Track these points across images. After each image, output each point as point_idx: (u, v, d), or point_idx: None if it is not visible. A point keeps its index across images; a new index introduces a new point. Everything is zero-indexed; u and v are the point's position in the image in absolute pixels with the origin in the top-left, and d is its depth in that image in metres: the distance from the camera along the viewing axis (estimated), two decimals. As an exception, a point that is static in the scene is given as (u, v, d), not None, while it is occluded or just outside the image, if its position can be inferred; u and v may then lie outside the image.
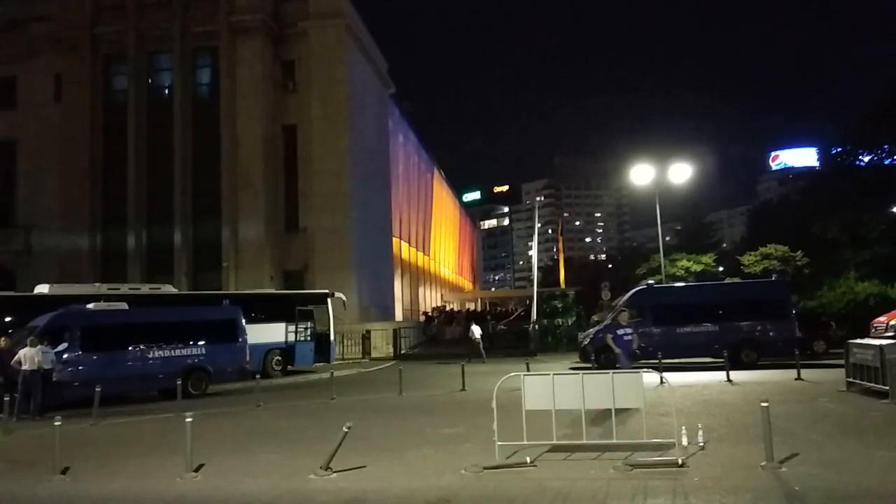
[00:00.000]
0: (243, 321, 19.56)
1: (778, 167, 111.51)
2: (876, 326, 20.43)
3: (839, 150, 41.46)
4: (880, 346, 13.06)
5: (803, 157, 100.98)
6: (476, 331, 26.75)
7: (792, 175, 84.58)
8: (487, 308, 71.22)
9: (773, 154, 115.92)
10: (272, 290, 28.81)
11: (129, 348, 17.35)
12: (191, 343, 18.24)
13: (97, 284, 22.84)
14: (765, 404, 7.68)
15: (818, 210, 38.82)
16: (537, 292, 33.41)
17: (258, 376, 17.87)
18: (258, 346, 21.51)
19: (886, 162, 38.62)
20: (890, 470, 7.51)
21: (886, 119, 36.94)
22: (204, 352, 18.33)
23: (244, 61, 34.22)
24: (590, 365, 20.77)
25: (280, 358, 23.35)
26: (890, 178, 36.59)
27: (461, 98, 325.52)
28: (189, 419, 8.51)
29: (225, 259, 33.19)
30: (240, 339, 19.24)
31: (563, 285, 51.54)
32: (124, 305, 18.76)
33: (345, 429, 8.14)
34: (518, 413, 8.39)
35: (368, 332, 30.76)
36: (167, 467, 8.71)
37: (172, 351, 17.81)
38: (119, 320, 17.90)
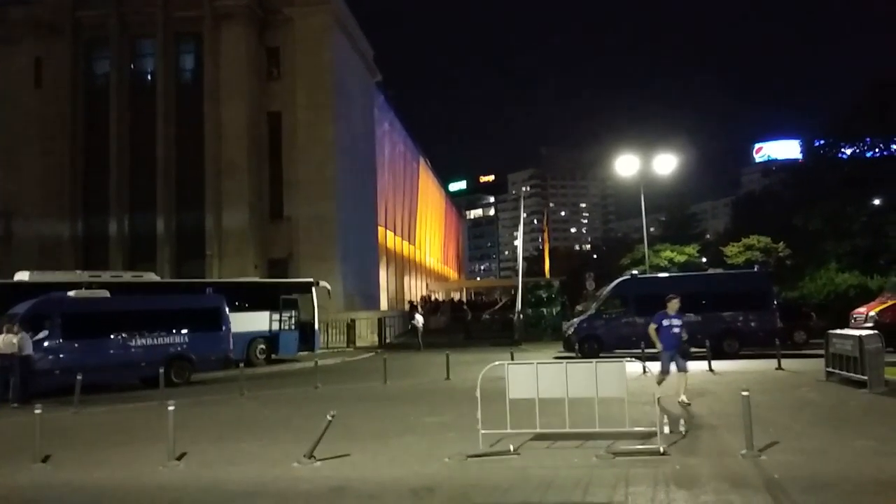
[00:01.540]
0: (227, 309, 19.44)
1: (761, 159, 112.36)
2: (855, 317, 20.80)
3: (822, 142, 41.81)
4: (859, 337, 13.25)
5: (787, 149, 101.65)
6: (419, 319, 27.17)
7: (775, 167, 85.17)
8: (471, 298, 71.42)
9: (756, 146, 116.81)
10: (256, 279, 28.65)
11: (111, 336, 17.20)
12: (173, 331, 18.11)
13: (78, 272, 22.58)
14: (745, 393, 7.76)
15: (801, 202, 39.17)
16: (522, 282, 33.49)
17: (242, 365, 17.78)
18: (242, 334, 21.39)
19: (868, 154, 39.02)
20: (867, 458, 7.63)
21: (868, 112, 37.29)
22: (187, 340, 18.21)
23: (228, 47, 33.85)
24: (574, 354, 20.91)
25: (264, 347, 23.25)
26: (872, 171, 36.96)
27: (447, 88, 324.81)
28: (171, 408, 8.45)
29: (209, 247, 32.96)
30: (223, 328, 19.12)
31: (548, 275, 51.72)
32: (106, 293, 18.57)
33: (328, 417, 8.13)
34: (502, 402, 8.42)
35: (353, 321, 30.71)
36: (149, 456, 8.65)
37: (155, 339, 17.68)
38: (101, 308, 17.70)
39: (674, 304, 11.80)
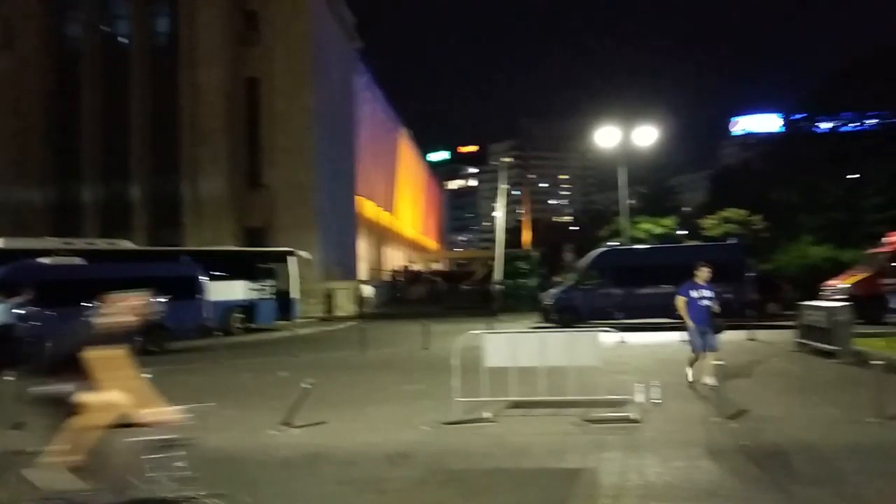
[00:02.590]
0: (203, 278, 19.30)
1: (738, 133, 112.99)
2: (826, 289, 21.19)
3: (800, 116, 42.22)
4: (829, 308, 13.53)
5: (763, 122, 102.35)
6: (365, 289, 27.41)
7: (753, 141, 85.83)
8: (454, 269, 71.52)
9: (733, 120, 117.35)
10: (234, 247, 28.43)
11: (85, 304, 16.99)
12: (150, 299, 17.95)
13: (50, 239, 22.24)
14: (718, 363, 7.90)
15: (778, 175, 39.60)
16: (502, 253, 33.60)
17: (220, 333, 17.72)
18: (219, 303, 21.26)
19: (844, 129, 39.48)
20: (833, 425, 7.84)
21: (845, 88, 37.60)
22: (162, 308, 18.03)
23: (205, 11, 33.07)
24: (552, 325, 21.12)
25: (242, 315, 23.16)
26: (848, 146, 37.43)
27: (427, 57, 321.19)
28: (147, 376, 8.39)
29: (185, 215, 32.57)
30: (199, 296, 19.01)
31: (527, 247, 51.93)
32: (80, 260, 18.31)
33: (306, 385, 8.14)
34: (479, 371, 8.50)
35: (332, 290, 30.66)
36: (125, 423, 8.61)
37: (131, 307, 17.51)
38: (74, 276, 17.48)
39: (703, 273, 10.24)
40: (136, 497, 4.61)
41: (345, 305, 30.73)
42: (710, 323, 9.90)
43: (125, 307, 4.95)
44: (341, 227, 38.50)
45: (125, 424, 4.65)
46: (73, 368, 4.59)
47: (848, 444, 6.99)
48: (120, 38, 34.91)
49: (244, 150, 34.19)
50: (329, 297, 30.27)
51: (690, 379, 10.21)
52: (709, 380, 9.81)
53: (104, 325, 4.79)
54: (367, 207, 48.13)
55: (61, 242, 20.92)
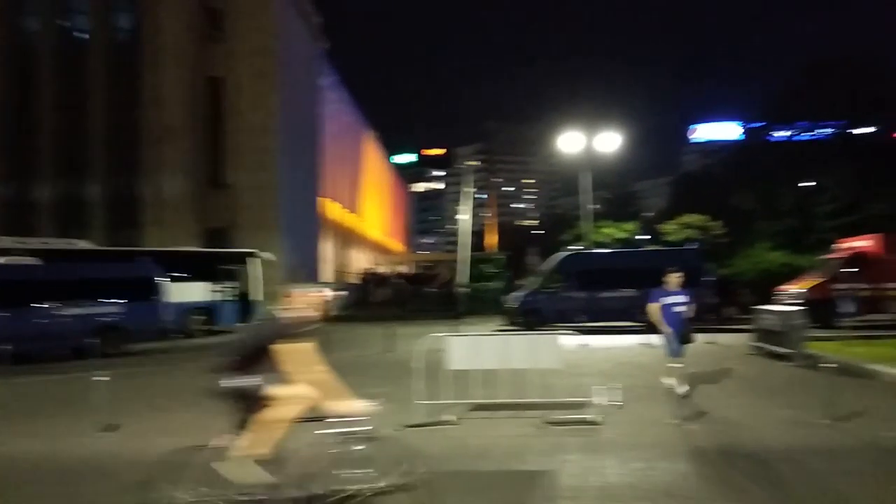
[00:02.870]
0: (163, 279, 18.96)
1: (696, 140, 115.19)
2: (780, 294, 21.77)
3: (758, 125, 43.28)
4: (784, 313, 13.90)
5: (723, 130, 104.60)
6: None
7: (712, 148, 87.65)
8: (423, 271, 71.40)
9: (692, 127, 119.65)
10: (195, 248, 27.99)
11: (41, 305, 16.57)
12: (106, 301, 17.58)
13: (4, 238, 21.62)
14: (676, 366, 8.04)
15: (736, 182, 40.50)
16: (466, 256, 33.70)
17: (180, 336, 17.43)
18: (180, 305, 20.94)
19: (799, 138, 40.59)
20: (787, 427, 8.05)
21: (800, 98, 38.69)
22: (120, 310, 17.70)
23: (167, 7, 32.54)
24: (516, 328, 21.27)
25: (202, 317, 22.81)
26: (803, 154, 38.49)
27: (394, 60, 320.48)
28: (103, 378, 8.23)
29: (145, 214, 31.96)
30: (158, 298, 18.67)
31: (493, 250, 52.20)
32: (36, 260, 17.85)
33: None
34: (443, 373, 8.51)
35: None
36: (80, 427, 8.42)
37: (86, 309, 17.12)
38: (30, 276, 17.04)
39: (673, 279, 9.90)
40: (323, 490, 4.69)
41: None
42: (683, 329, 9.69)
43: (308, 301, 5.07)
44: (305, 229, 38.19)
45: (313, 418, 4.71)
46: (260, 362, 4.68)
47: (800, 446, 7.18)
48: (79, 34, 34.12)
49: (206, 149, 33.72)
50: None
51: (670, 386, 9.68)
52: (667, 381, 9.75)
53: (290, 319, 4.83)
54: (332, 209, 47.81)
55: (15, 242, 20.35)
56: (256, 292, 24.85)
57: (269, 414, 4.65)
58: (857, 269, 21.12)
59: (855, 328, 19.45)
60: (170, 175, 32.19)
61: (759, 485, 5.94)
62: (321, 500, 4.70)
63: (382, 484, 4.76)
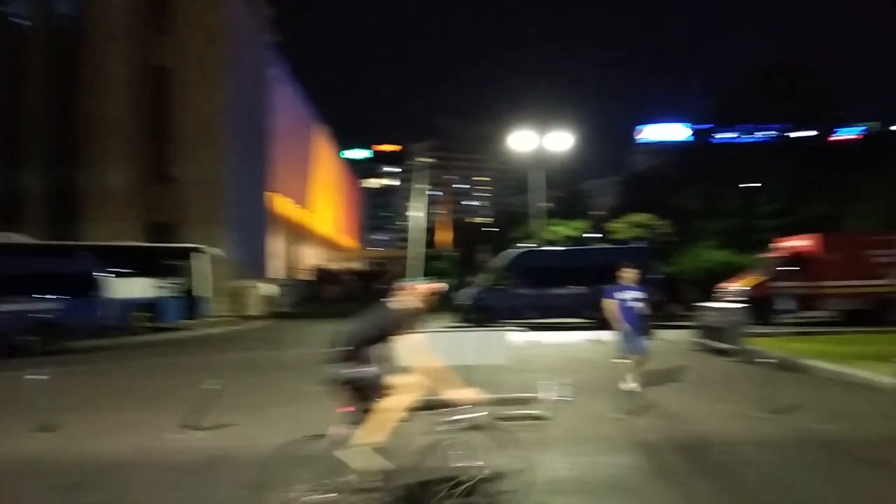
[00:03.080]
0: (104, 274, 18.40)
1: (644, 141, 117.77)
2: (722, 291, 22.44)
3: (705, 127, 44.47)
4: (725, 310, 14.34)
5: (670, 132, 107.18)
6: (267, 287, 26.75)
7: (657, 149, 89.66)
8: (377, 268, 70.98)
9: (638, 128, 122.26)
10: (138, 243, 27.19)
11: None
12: (44, 297, 16.94)
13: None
14: (622, 361, 8.20)
15: (682, 182, 41.53)
16: (422, 253, 33.70)
17: (123, 333, 16.94)
18: (123, 301, 20.33)
19: (741, 140, 41.83)
20: (727, 420, 8.30)
21: (745, 101, 39.86)
22: (58, 306, 17.07)
23: (111, -7, 31.49)
24: (467, 324, 21.36)
25: (146, 314, 22.20)
26: (745, 156, 39.71)
27: (348, 55, 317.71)
28: (42, 377, 7.94)
29: (87, 208, 30.91)
30: (99, 294, 18.12)
31: (446, 247, 52.32)
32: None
33: (211, 387, 7.89)
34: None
35: (244, 288, 29.86)
36: (18, 427, 8.09)
37: (23, 305, 16.47)
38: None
39: (628, 274, 9.70)
40: (435, 476, 4.95)
41: (256, 305, 29.98)
42: (640, 326, 9.59)
43: (417, 293, 5.23)
44: (254, 224, 37.53)
45: (426, 406, 4.94)
46: (375, 352, 4.89)
47: (740, 438, 7.42)
48: (18, 20, 32.73)
49: (152, 141, 32.75)
50: (240, 296, 29.44)
51: (634, 388, 9.54)
52: (630, 382, 9.63)
53: (402, 311, 5.04)
54: (282, 204, 47.12)
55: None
56: (203, 288, 24.33)
57: (386, 402, 4.82)
58: (794, 268, 21.89)
59: (793, 325, 20.23)
60: (113, 168, 31.18)
61: (701, 476, 6.11)
62: (433, 486, 4.97)
63: (488, 471, 4.95)
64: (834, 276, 21.30)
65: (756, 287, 21.73)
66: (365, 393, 4.84)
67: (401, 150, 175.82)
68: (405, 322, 4.96)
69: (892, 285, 21.46)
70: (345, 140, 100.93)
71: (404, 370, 4.86)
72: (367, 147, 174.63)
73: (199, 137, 31.92)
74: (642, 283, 9.84)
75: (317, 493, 4.77)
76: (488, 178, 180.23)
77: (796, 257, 22.33)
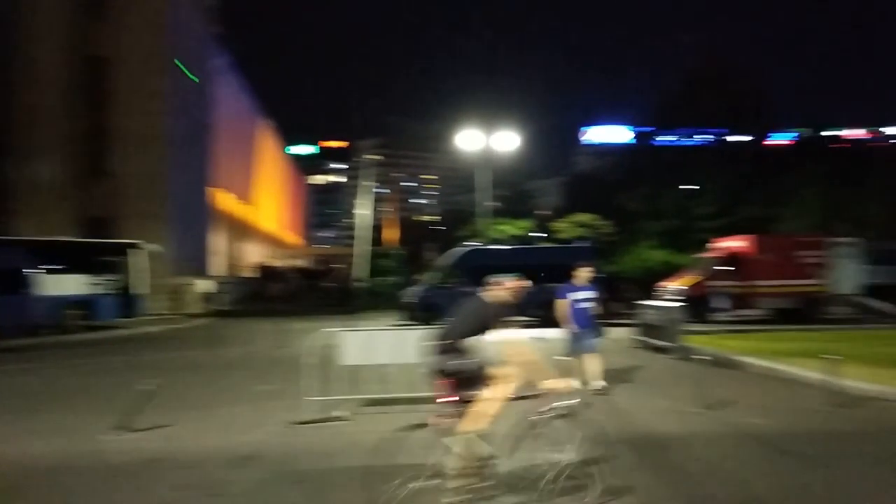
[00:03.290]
0: (35, 271, 17.66)
1: (588, 142, 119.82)
2: (661, 290, 23.03)
3: (647, 130, 45.54)
4: (663, 308, 14.71)
5: (612, 134, 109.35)
6: (205, 285, 26.31)
7: (601, 150, 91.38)
8: (326, 266, 70.18)
9: (583, 129, 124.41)
10: (72, 239, 26.17)
11: None
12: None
13: None
14: (563, 358, 8.31)
15: (623, 183, 42.42)
16: (368, 251, 33.49)
17: (55, 331, 16.29)
18: (55, 298, 19.55)
19: (680, 143, 43.00)
20: (664, 416, 8.51)
21: (683, 106, 40.97)
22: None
23: (44, -22, 30.21)
24: (413, 322, 21.32)
25: (80, 312, 21.39)
26: (684, 159, 40.81)
27: (294, 49, 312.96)
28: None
29: (18, 202, 29.58)
30: (30, 291, 17.37)
31: (392, 245, 52.16)
32: None
33: (146, 387, 7.67)
34: (337, 369, 8.41)
35: (183, 286, 29.10)
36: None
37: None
38: None
39: (583, 274, 9.68)
40: (530, 462, 5.29)
41: (197, 302, 29.26)
42: (591, 325, 9.58)
43: (508, 288, 5.58)
44: (195, 220, 36.62)
45: (522, 395, 5.21)
46: (475, 344, 5.20)
47: (676, 432, 7.63)
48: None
49: (87, 134, 31.56)
50: (179, 294, 28.67)
51: (602, 386, 9.70)
52: (595, 383, 9.75)
53: (498, 305, 5.37)
54: (225, 200, 46.13)
55: None
56: (141, 286, 23.58)
57: (490, 392, 5.11)
58: (730, 268, 22.63)
59: (728, 323, 20.93)
60: (46, 160, 29.91)
61: (640, 469, 6.25)
62: (527, 471, 5.33)
63: (577, 457, 5.23)
64: (766, 276, 22.12)
65: (694, 286, 22.37)
66: (470, 383, 5.12)
67: (348, 147, 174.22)
68: (505, 315, 5.27)
69: (820, 285, 22.44)
70: (290, 135, 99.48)
71: (501, 361, 5.14)
72: (314, 143, 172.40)
73: (137, 130, 30.93)
74: (594, 283, 9.99)
75: (421, 480, 5.06)
76: (436, 177, 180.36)
77: (731, 257, 23.07)
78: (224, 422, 8.40)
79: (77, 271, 21.46)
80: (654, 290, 22.93)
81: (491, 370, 5.15)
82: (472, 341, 5.19)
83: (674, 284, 22.95)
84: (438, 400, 5.22)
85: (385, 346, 8.63)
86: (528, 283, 6.27)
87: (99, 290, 21.90)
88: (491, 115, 36.08)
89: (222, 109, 44.55)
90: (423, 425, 5.17)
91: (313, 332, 9.92)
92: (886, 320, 21.10)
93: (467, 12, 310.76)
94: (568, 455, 5.21)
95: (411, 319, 22.54)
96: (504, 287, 5.59)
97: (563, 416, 5.21)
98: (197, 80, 34.65)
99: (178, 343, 18.58)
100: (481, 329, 5.22)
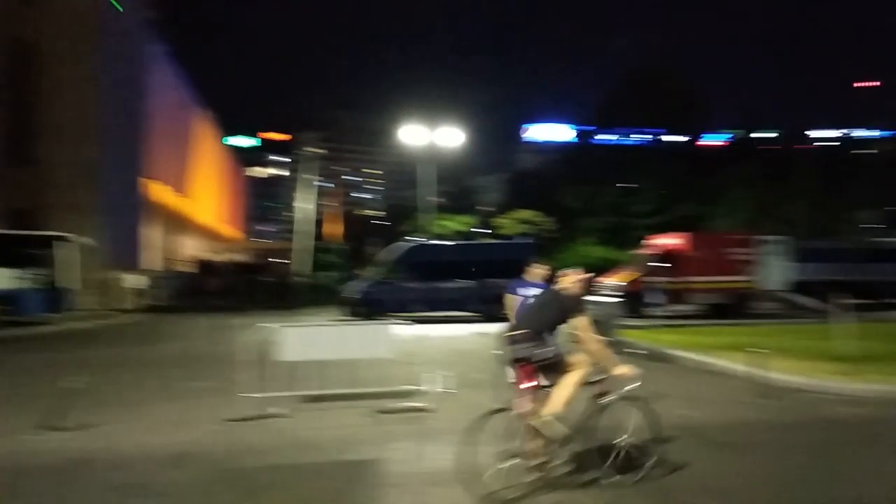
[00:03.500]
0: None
1: (529, 140, 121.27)
2: (599, 286, 23.54)
3: (588, 129, 46.36)
4: (600, 303, 15.04)
5: (553, 132, 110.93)
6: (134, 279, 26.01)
7: (545, 148, 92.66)
8: (265, 261, 68.84)
9: (524, 127, 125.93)
10: (-6, 230, 24.95)
11: None
12: None
13: None
14: (497, 352, 8.37)
15: (564, 181, 43.13)
16: (309, 245, 33.04)
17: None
18: (-26, 293, 18.61)
19: (620, 142, 43.96)
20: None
21: (623, 106, 41.91)
22: None
23: (-36, -45, 28.62)
24: (356, 318, 21.17)
25: (4, 307, 20.41)
26: (623, 158, 41.76)
27: (232, 39, 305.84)
28: None
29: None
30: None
31: (335, 239, 51.63)
32: None
33: (72, 384, 7.37)
34: (276, 365, 8.26)
35: (115, 280, 28.11)
36: None
37: None
38: None
39: (536, 271, 9.48)
40: (597, 444, 5.65)
41: (129, 297, 28.31)
42: None
43: (578, 280, 5.95)
44: (127, 212, 35.37)
45: (592, 380, 5.59)
46: (552, 333, 5.59)
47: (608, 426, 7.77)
48: None
49: (13, 121, 30.11)
50: (110, 289, 27.67)
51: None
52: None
53: (572, 296, 5.76)
54: (159, 191, 44.70)
55: None
56: (69, 280, 22.65)
57: (568, 378, 5.50)
58: (665, 264, 23.28)
59: (663, 317, 21.56)
60: (-35, 147, 28.44)
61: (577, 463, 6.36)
62: (595, 452, 5.65)
63: (635, 440, 5.65)
64: (699, 273, 22.86)
65: (630, 282, 22.92)
66: (549, 369, 5.53)
67: (289, 140, 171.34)
68: (576, 306, 5.65)
69: (749, 281, 23.33)
70: (229, 126, 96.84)
71: (578, 348, 5.59)
72: (254, 135, 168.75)
73: (66, 117, 29.67)
74: (547, 280, 9.97)
75: (505, 460, 5.36)
76: (380, 172, 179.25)
77: (666, 254, 23.74)
78: (157, 420, 8.15)
79: (1, 265, 20.50)
80: (593, 286, 23.39)
81: (573, 357, 5.58)
82: (549, 330, 5.58)
83: (611, 280, 23.46)
84: (521, 386, 5.53)
85: (322, 341, 8.53)
86: (591, 275, 6.87)
87: (25, 285, 20.97)
88: (435, 110, 36.15)
89: (157, 99, 43.12)
90: (503, 409, 5.47)
91: (251, 328, 9.74)
92: (810, 315, 22.11)
93: (412, 7, 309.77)
94: (632, 437, 5.64)
95: (353, 315, 22.39)
96: (575, 279, 5.95)
97: (628, 399, 5.64)
98: (122, 8, 33.21)
99: (109, 339, 17.95)
100: (561, 319, 5.62)
